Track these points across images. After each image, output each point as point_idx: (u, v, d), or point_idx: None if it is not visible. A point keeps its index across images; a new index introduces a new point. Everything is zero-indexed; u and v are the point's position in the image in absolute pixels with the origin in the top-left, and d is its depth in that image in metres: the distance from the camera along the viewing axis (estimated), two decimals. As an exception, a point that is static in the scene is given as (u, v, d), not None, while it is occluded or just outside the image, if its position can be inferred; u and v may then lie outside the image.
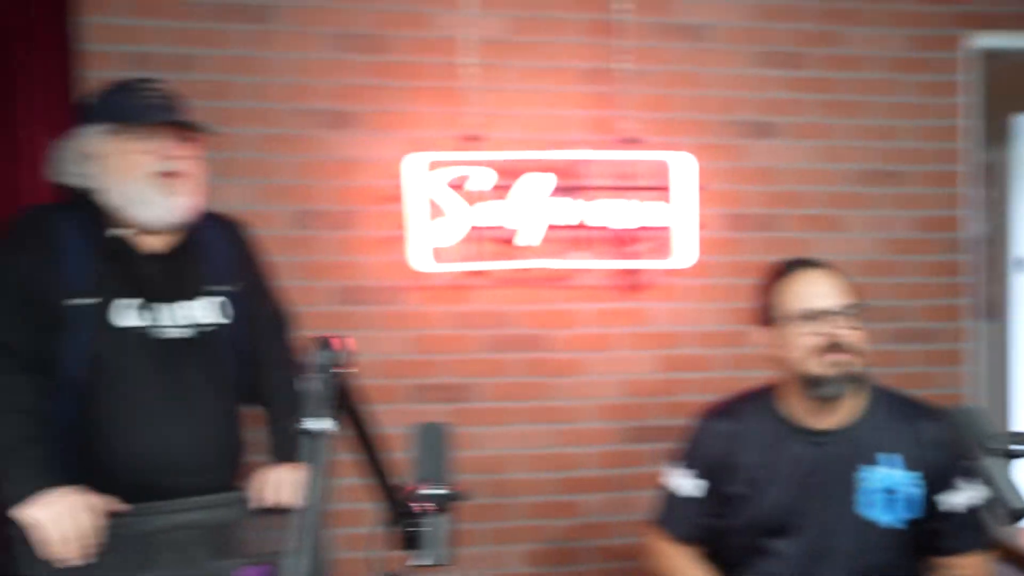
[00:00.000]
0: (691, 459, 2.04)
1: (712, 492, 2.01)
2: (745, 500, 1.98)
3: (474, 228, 2.86)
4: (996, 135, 5.14)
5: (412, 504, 1.42)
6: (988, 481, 1.36)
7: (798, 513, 1.96)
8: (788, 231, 3.25)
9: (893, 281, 3.36)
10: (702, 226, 3.09)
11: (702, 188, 3.06)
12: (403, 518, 1.42)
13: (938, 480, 1.94)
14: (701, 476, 2.02)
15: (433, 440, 1.46)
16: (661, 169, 3.00)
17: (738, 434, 2.01)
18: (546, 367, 3.08)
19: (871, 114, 3.33)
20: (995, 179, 5.25)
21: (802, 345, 1.90)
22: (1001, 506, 1.31)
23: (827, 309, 1.91)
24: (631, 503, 3.03)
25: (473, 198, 2.85)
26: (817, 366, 1.89)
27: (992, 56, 3.49)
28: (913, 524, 1.96)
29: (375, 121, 2.94)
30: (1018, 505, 1.32)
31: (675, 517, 2.06)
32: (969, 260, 3.48)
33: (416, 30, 2.96)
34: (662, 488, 2.09)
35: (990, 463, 1.36)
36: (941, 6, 3.33)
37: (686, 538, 2.05)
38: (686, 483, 2.03)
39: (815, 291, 1.94)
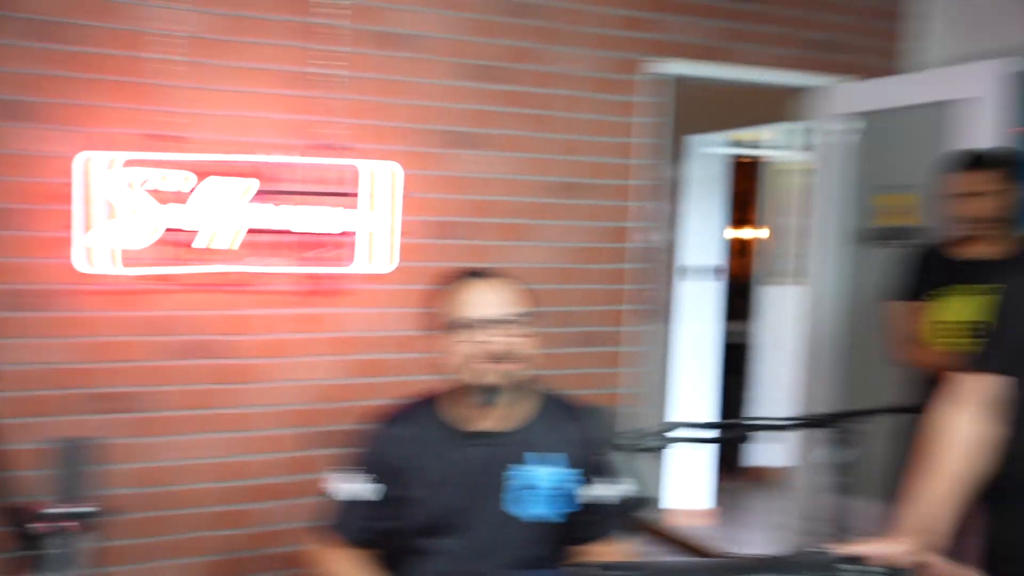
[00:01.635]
0: (363, 463, 2.06)
1: (384, 495, 2.03)
2: (416, 502, 2.02)
3: (164, 230, 2.75)
4: (676, 153, 5.66)
5: (39, 524, 1.30)
6: (623, 474, 1.44)
7: (462, 513, 2.01)
8: (485, 239, 3.35)
9: (572, 288, 3.55)
10: (404, 232, 3.12)
11: (405, 195, 3.09)
12: (27, 540, 1.30)
13: (589, 475, 2.03)
14: (373, 480, 2.04)
15: (74, 455, 1.36)
16: (356, 176, 3.01)
17: (409, 438, 2.05)
18: (228, 374, 3.01)
19: (559, 129, 3.48)
20: (673, 194, 5.78)
21: (461, 353, 1.96)
22: (633, 497, 1.41)
23: (486, 319, 1.96)
24: (311, 509, 3.00)
25: (163, 199, 2.73)
26: (473, 374, 1.94)
27: (678, 81, 3.82)
28: (570, 517, 2.04)
29: (56, 114, 2.75)
30: (642, 495, 1.41)
31: (346, 521, 2.06)
32: (642, 269, 3.77)
33: (109, 21, 2.78)
34: (332, 493, 2.09)
35: (624, 458, 1.45)
36: (629, 32, 3.57)
37: (357, 542, 2.06)
38: (357, 487, 2.04)
39: (476, 301, 1.99)
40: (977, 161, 3.11)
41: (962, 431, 1.88)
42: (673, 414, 5.49)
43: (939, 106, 3.70)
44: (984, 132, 3.49)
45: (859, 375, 4.08)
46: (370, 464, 2.06)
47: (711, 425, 5.03)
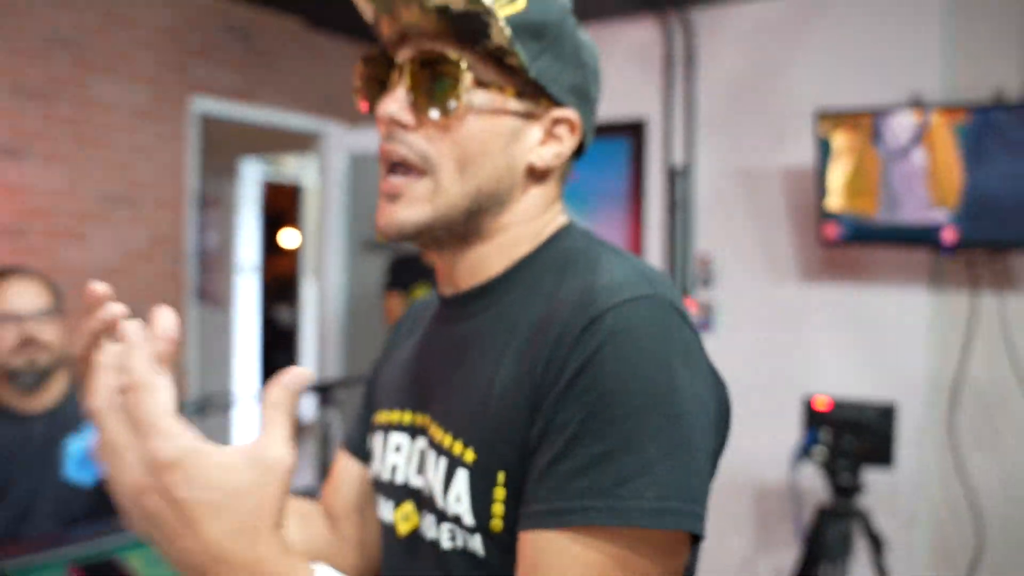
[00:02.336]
0: None
1: None
2: None
3: None
4: (227, 173, 5.77)
5: None
6: None
7: (2, 484, 1.92)
8: (33, 242, 3.20)
9: (132, 283, 3.50)
10: None
11: None
12: None
13: None
14: None
15: None
16: None
17: None
18: None
19: (114, 148, 3.42)
20: (225, 205, 5.89)
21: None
22: None
23: (15, 312, 1.91)
24: None
25: None
26: (8, 361, 1.89)
27: (213, 119, 3.90)
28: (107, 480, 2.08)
29: None
30: None
31: None
32: (199, 266, 3.80)
33: None
34: None
35: None
36: (172, 72, 3.61)
37: None
38: None
39: (10, 295, 1.93)
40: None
41: None
42: (231, 383, 5.59)
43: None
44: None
45: (359, 347, 4.37)
46: None
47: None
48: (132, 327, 0.55)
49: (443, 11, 0.68)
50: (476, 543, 0.70)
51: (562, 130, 0.76)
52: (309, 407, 6.31)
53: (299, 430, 6.62)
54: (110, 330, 0.58)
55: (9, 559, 1.53)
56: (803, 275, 3.34)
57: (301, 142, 4.91)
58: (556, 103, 0.76)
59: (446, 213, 0.73)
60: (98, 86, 3.37)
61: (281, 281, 7.73)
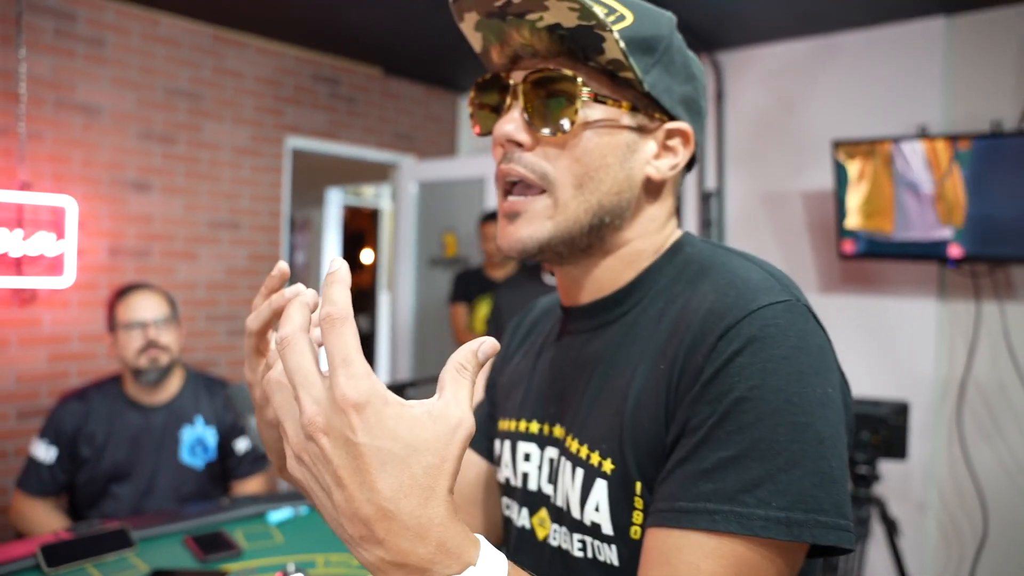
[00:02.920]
0: (48, 432, 1.98)
1: (64, 456, 1.97)
2: (91, 460, 1.97)
3: None
4: (315, 200, 5.88)
5: None
6: (251, 433, 1.60)
7: (129, 464, 1.99)
8: (157, 259, 3.30)
9: (238, 295, 3.59)
10: (87, 253, 3.05)
11: (83, 226, 3.01)
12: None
13: (231, 432, 2.09)
14: (55, 444, 1.96)
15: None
16: (56, 210, 2.90)
17: (87, 411, 1.99)
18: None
19: (223, 181, 3.51)
20: (313, 228, 6.00)
21: (126, 345, 1.98)
22: (260, 448, 1.52)
23: (140, 320, 1.99)
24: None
25: None
26: (137, 361, 1.97)
27: (307, 152, 3.99)
28: (217, 464, 2.07)
29: None
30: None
31: (32, 478, 1.96)
32: (290, 280, 3.89)
33: None
34: (27, 456, 1.99)
35: (252, 421, 1.57)
36: (270, 116, 3.70)
37: (41, 493, 1.97)
38: (43, 450, 1.97)
39: (133, 307, 2.01)
40: (493, 216, 3.44)
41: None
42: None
43: (477, 179, 4.10)
44: (495, 198, 3.88)
45: (427, 352, 4.36)
46: (50, 432, 1.97)
47: None
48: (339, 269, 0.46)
49: (554, 29, 0.62)
50: (611, 553, 0.63)
51: (676, 142, 0.69)
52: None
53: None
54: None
55: (136, 530, 1.58)
56: (823, 286, 3.28)
57: (378, 172, 4.99)
58: (669, 116, 0.68)
59: (568, 229, 0.66)
60: (209, 129, 3.48)
61: (361, 293, 7.85)
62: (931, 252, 2.82)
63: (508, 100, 0.66)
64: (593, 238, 0.67)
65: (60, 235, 2.91)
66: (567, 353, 0.74)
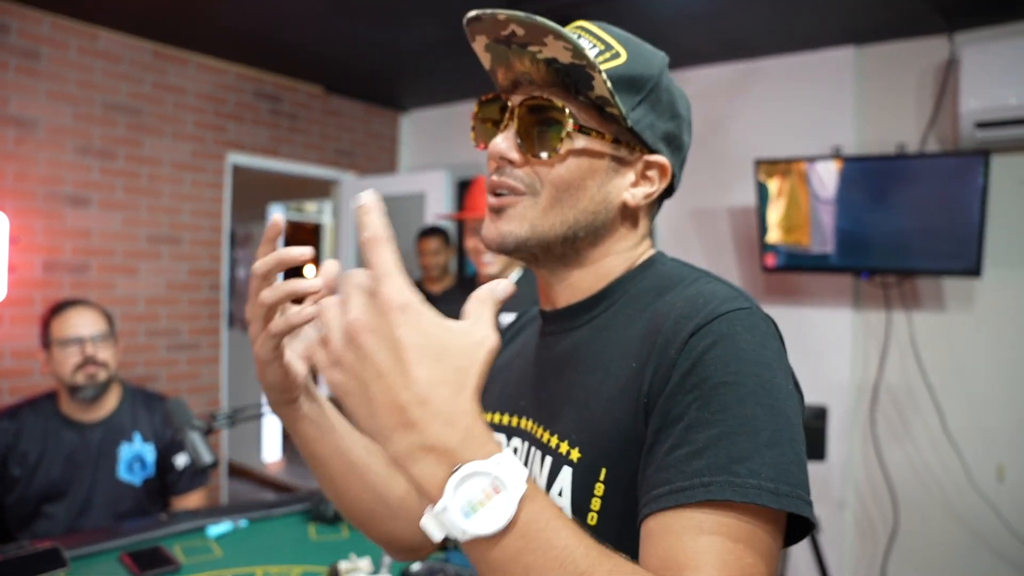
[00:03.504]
0: None
1: None
2: (22, 479, 1.90)
3: None
4: (257, 216, 5.78)
5: None
6: (189, 447, 1.52)
7: (64, 483, 1.91)
8: (94, 275, 3.20)
9: (177, 310, 3.51)
10: (20, 268, 2.95)
11: (16, 241, 2.91)
12: None
13: (169, 447, 2.03)
14: None
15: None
16: None
17: (18, 430, 1.92)
18: None
19: (164, 197, 3.44)
20: (254, 243, 5.88)
21: (63, 362, 1.91)
22: (199, 462, 1.49)
23: (82, 336, 1.94)
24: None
25: None
26: (74, 378, 1.90)
27: (246, 168, 3.93)
28: (156, 479, 2.02)
29: None
30: (207, 461, 1.50)
31: None
32: (231, 295, 3.79)
33: None
34: None
35: (190, 435, 1.52)
36: (211, 131, 3.64)
37: None
38: None
39: (70, 323, 1.95)
40: (431, 231, 3.44)
41: None
42: (259, 395, 5.54)
43: (417, 196, 4.12)
44: (434, 213, 3.93)
45: None
46: None
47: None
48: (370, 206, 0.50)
49: (551, 63, 0.68)
50: None
51: (654, 173, 0.74)
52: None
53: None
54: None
55: (70, 549, 1.53)
56: (746, 297, 3.38)
57: (320, 188, 4.94)
58: (650, 149, 0.73)
59: (543, 234, 0.71)
60: (149, 144, 3.40)
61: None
62: (842, 264, 2.95)
63: (505, 120, 0.72)
64: (567, 248, 0.73)
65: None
66: (541, 353, 0.79)
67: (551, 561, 0.48)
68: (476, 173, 3.98)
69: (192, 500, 2.10)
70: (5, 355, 2.94)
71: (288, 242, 6.73)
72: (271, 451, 5.57)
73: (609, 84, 0.67)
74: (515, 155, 0.71)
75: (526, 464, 0.74)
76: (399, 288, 0.48)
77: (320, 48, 3.48)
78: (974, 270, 2.67)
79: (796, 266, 3.07)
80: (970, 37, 2.85)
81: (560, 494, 0.68)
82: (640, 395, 0.63)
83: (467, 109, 4.37)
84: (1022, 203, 2.81)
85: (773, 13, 2.85)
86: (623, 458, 0.64)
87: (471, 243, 2.23)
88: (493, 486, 0.47)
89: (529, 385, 0.79)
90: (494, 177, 0.72)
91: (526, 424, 0.77)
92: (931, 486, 2.97)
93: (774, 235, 3.09)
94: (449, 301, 2.36)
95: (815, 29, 3.01)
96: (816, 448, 2.60)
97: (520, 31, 0.67)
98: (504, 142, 0.71)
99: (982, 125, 2.67)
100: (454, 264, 3.76)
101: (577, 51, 0.65)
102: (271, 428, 5.58)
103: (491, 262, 2.19)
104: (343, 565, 1.46)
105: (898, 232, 2.81)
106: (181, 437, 1.60)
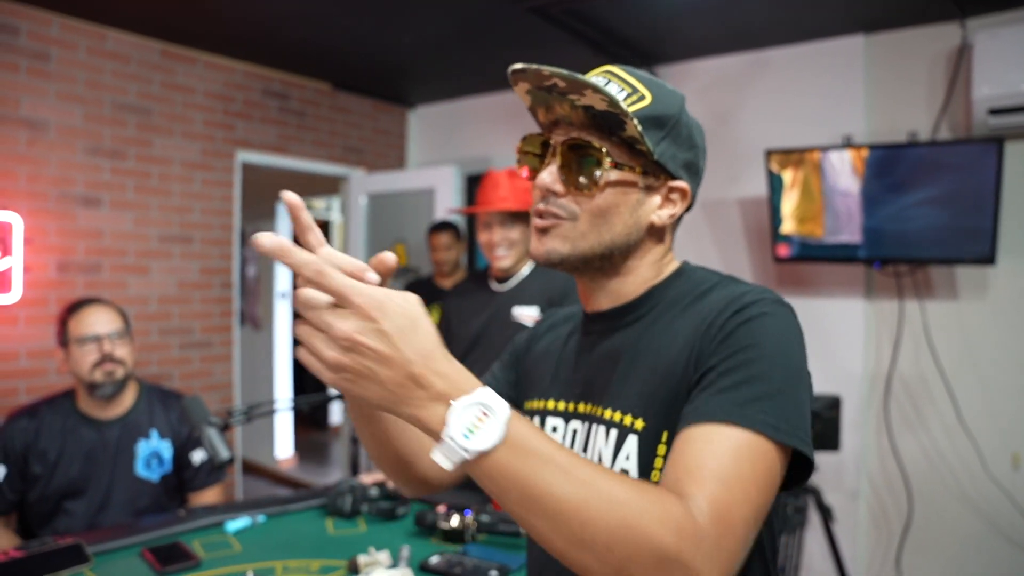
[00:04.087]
0: None
1: (14, 474, 1.90)
2: (43, 477, 1.90)
3: None
4: (267, 214, 5.80)
5: None
6: (206, 443, 1.56)
7: (84, 480, 1.92)
8: (108, 274, 3.22)
9: (190, 308, 3.52)
10: (34, 269, 2.97)
11: (30, 242, 2.92)
12: None
13: (186, 444, 2.04)
14: (4, 462, 1.90)
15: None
16: (2, 226, 2.79)
17: (37, 428, 1.93)
18: None
19: (174, 196, 3.45)
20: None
21: (79, 360, 1.92)
22: (217, 458, 1.54)
23: (99, 334, 1.94)
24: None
25: None
26: (92, 375, 1.91)
27: (257, 167, 3.94)
28: (173, 476, 2.04)
29: None
30: (225, 457, 1.55)
31: None
32: (244, 293, 3.79)
33: None
34: None
35: (208, 432, 1.56)
36: (220, 130, 3.66)
37: None
38: None
39: (87, 322, 1.96)
40: (441, 226, 3.45)
41: None
42: (270, 392, 5.56)
43: (426, 191, 4.11)
44: (443, 209, 3.92)
45: None
46: (0, 451, 1.89)
47: (271, 403, 5.05)
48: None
49: (588, 109, 0.79)
50: None
51: (676, 196, 0.86)
52: (337, 412, 6.31)
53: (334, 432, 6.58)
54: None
55: (91, 545, 1.54)
56: (757, 289, 3.36)
57: (329, 185, 4.95)
58: (672, 176, 0.84)
59: (583, 252, 0.83)
60: (159, 144, 3.41)
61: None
62: (859, 254, 2.94)
63: (548, 156, 0.83)
64: (605, 263, 0.85)
65: (6, 251, 2.81)
66: (590, 347, 0.90)
67: (541, 462, 0.60)
68: (485, 167, 3.97)
69: (209, 496, 2.12)
70: (21, 355, 2.96)
71: (298, 240, 6.75)
72: (284, 448, 5.59)
73: (639, 127, 0.78)
74: (559, 187, 0.82)
75: (588, 440, 0.85)
76: (365, 295, 0.58)
77: (327, 45, 3.48)
78: (988, 258, 2.65)
79: (809, 256, 3.05)
80: (982, 23, 2.82)
81: (628, 458, 0.79)
82: (690, 368, 0.76)
83: (475, 104, 4.37)
84: (1036, 190, 2.78)
85: (781, 3, 2.83)
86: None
87: (483, 237, 2.22)
88: (482, 411, 0.59)
89: (582, 374, 0.90)
90: (540, 205, 0.83)
91: (584, 407, 0.88)
92: (946, 475, 2.96)
93: (788, 225, 3.08)
94: (460, 294, 2.35)
95: (824, 18, 2.99)
96: (830, 438, 2.59)
97: (562, 84, 0.77)
98: (549, 176, 0.82)
99: (995, 112, 2.65)
100: (465, 259, 3.75)
101: (612, 101, 0.76)
102: (284, 425, 5.60)
103: (504, 255, 2.19)
104: (362, 559, 1.47)
105: (912, 221, 2.80)
106: (198, 434, 1.62)
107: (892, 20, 2.97)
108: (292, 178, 4.99)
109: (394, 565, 1.48)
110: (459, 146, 4.42)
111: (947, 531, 2.95)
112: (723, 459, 0.66)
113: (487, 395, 0.60)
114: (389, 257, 0.66)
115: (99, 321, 1.98)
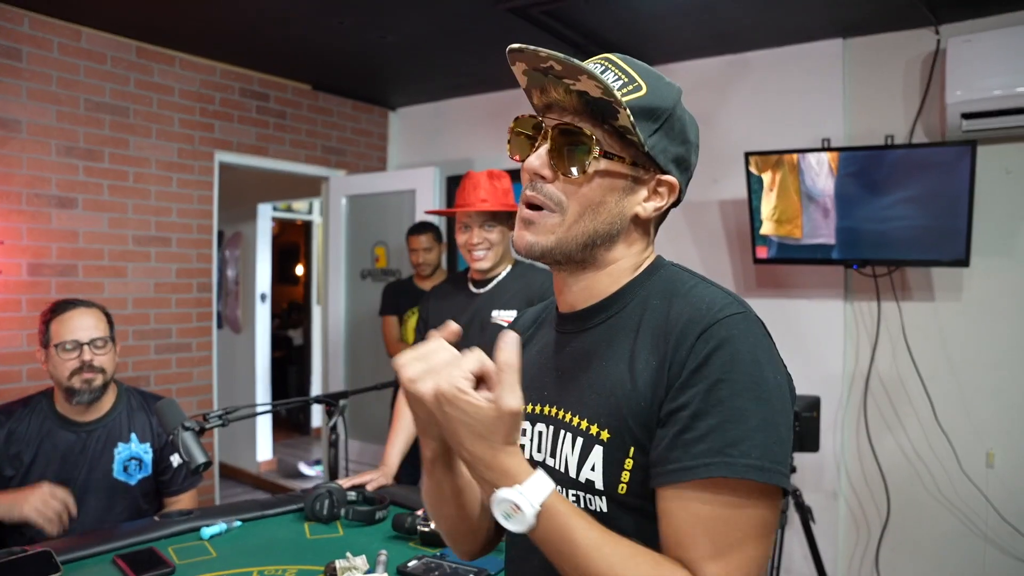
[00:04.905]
0: None
1: None
2: (15, 479, 1.88)
3: None
4: (246, 215, 5.73)
5: None
6: (182, 448, 1.56)
7: (60, 483, 1.85)
8: (83, 276, 3.16)
9: (166, 310, 3.48)
10: (5, 270, 2.91)
11: (1, 244, 2.86)
12: None
13: (166, 448, 2.00)
14: None
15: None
16: None
17: (12, 430, 1.91)
18: None
19: (150, 197, 3.40)
20: (244, 242, 5.84)
21: (60, 366, 1.90)
22: (192, 463, 1.56)
23: (81, 341, 1.91)
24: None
25: None
26: (70, 382, 1.89)
27: (236, 167, 3.89)
28: (152, 480, 2.03)
29: None
30: (200, 461, 1.56)
31: None
32: (222, 294, 3.74)
33: None
34: None
35: (183, 436, 1.57)
36: (198, 130, 3.61)
37: None
38: None
39: (73, 325, 1.93)
40: (420, 227, 3.45)
41: (403, 400, 2.06)
42: (250, 395, 5.51)
43: (407, 192, 4.10)
44: (424, 210, 3.86)
45: (359, 363, 4.31)
46: None
47: (253, 406, 5.01)
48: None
49: (582, 95, 0.77)
50: (601, 503, 0.78)
51: (663, 190, 0.84)
52: (318, 416, 6.26)
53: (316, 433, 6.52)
54: None
55: (62, 553, 1.51)
56: (740, 289, 3.39)
57: (310, 186, 4.91)
58: (662, 170, 0.83)
59: (567, 243, 0.81)
60: (135, 144, 3.36)
61: (294, 306, 7.68)
62: (833, 255, 2.96)
63: (539, 140, 0.82)
64: (586, 254, 0.83)
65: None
66: (561, 348, 0.89)
67: (570, 544, 0.69)
68: (467, 169, 3.96)
69: (184, 501, 2.09)
70: (-7, 359, 2.91)
71: (278, 242, 6.68)
72: (263, 451, 5.53)
73: (632, 118, 0.76)
74: (547, 172, 0.81)
75: (555, 444, 0.85)
76: (448, 383, 0.68)
77: (307, 45, 3.45)
78: (963, 260, 2.68)
79: (788, 258, 3.07)
80: (956, 29, 2.86)
81: (593, 469, 0.78)
82: (660, 388, 0.75)
83: (456, 105, 4.36)
84: (1007, 192, 2.82)
85: (761, 6, 2.85)
86: (648, 439, 0.75)
87: (462, 238, 2.21)
88: (513, 506, 0.68)
89: (551, 377, 0.89)
90: (527, 191, 0.82)
91: (550, 411, 0.87)
92: (923, 474, 2.99)
93: (767, 227, 3.10)
94: (439, 296, 2.33)
95: (803, 22, 3.01)
96: (809, 439, 2.61)
97: (558, 67, 0.76)
98: (538, 160, 0.81)
99: (968, 116, 2.68)
100: (445, 260, 3.74)
101: (606, 90, 0.75)
102: (263, 429, 5.54)
103: (483, 256, 2.18)
104: (339, 564, 1.45)
105: (888, 223, 2.82)
106: (173, 438, 1.59)
107: (870, 25, 3.00)
108: (273, 179, 4.95)
109: (371, 570, 1.47)
110: (441, 148, 4.40)
111: (924, 529, 2.98)
112: (714, 527, 0.69)
113: (522, 493, 0.68)
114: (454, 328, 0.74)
115: (82, 327, 1.94)
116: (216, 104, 3.69)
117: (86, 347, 1.92)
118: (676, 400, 0.73)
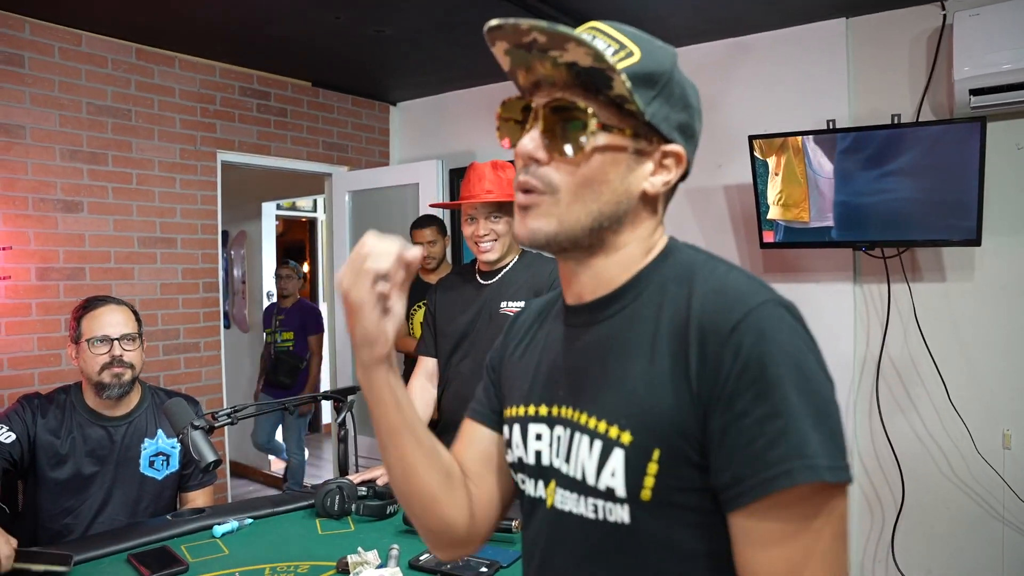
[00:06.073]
0: (7, 421, 1.88)
1: (23, 446, 1.86)
2: (47, 471, 1.89)
3: None
4: (251, 214, 5.75)
5: None
6: (191, 447, 1.57)
7: (90, 476, 1.92)
8: (91, 280, 3.19)
9: (174, 311, 3.50)
10: (14, 276, 2.94)
11: (8, 249, 2.89)
12: None
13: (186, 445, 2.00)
14: (13, 432, 1.87)
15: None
16: None
17: (44, 422, 1.91)
18: None
19: (155, 199, 3.41)
20: (250, 241, 5.86)
21: (91, 361, 1.93)
22: (202, 462, 1.57)
23: (106, 336, 1.94)
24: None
25: None
26: (101, 376, 1.92)
27: (239, 166, 3.91)
28: (173, 474, 2.05)
29: None
30: (211, 459, 1.57)
31: None
32: (230, 294, 3.76)
33: None
34: None
35: (192, 434, 1.58)
36: (200, 131, 3.62)
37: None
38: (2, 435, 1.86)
39: (104, 321, 1.96)
40: (424, 221, 3.48)
41: (416, 390, 2.21)
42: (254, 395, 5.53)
43: (410, 186, 4.11)
44: (428, 203, 3.84)
45: None
46: (9, 422, 1.88)
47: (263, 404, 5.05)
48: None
49: (572, 66, 0.71)
50: (622, 513, 0.72)
51: (670, 162, 0.78)
52: (327, 413, 6.28)
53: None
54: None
55: (78, 553, 1.53)
56: (746, 276, 3.37)
57: (314, 183, 4.92)
58: (666, 139, 0.77)
59: (571, 227, 0.75)
60: (137, 146, 3.37)
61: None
62: (836, 236, 2.94)
63: (530, 121, 0.76)
64: (594, 239, 0.77)
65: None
66: (571, 344, 0.82)
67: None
68: (470, 161, 3.96)
69: (200, 497, 2.13)
70: (3, 364, 2.93)
71: (284, 240, 6.69)
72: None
73: (628, 84, 0.70)
74: (542, 154, 0.75)
75: (570, 449, 0.78)
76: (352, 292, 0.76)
77: (305, 42, 3.45)
78: (974, 239, 2.66)
79: (796, 241, 3.06)
80: (962, 3, 2.83)
81: (613, 475, 0.72)
82: (690, 384, 0.68)
83: (457, 98, 4.35)
84: (1017, 169, 2.80)
85: (762, -13, 2.83)
86: (676, 440, 0.69)
87: (468, 230, 2.21)
88: None
89: (562, 375, 0.82)
90: (521, 176, 0.76)
91: (566, 412, 0.80)
92: (937, 456, 2.98)
93: (773, 211, 3.09)
94: (446, 288, 2.34)
95: (805, 2, 2.99)
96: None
97: (542, 38, 0.70)
98: (531, 142, 0.75)
99: (976, 92, 2.66)
100: (450, 253, 3.74)
101: (598, 55, 0.69)
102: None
103: (490, 248, 2.18)
104: (351, 559, 1.47)
105: (897, 203, 2.81)
106: (183, 437, 1.61)
107: (873, 2, 2.98)
108: (276, 177, 4.96)
109: (383, 564, 1.48)
110: (442, 140, 4.40)
111: (940, 512, 2.98)
112: (814, 534, 0.65)
113: None
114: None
115: (112, 323, 1.98)
116: (217, 104, 3.70)
117: (116, 342, 1.96)
118: (728, 408, 0.66)
